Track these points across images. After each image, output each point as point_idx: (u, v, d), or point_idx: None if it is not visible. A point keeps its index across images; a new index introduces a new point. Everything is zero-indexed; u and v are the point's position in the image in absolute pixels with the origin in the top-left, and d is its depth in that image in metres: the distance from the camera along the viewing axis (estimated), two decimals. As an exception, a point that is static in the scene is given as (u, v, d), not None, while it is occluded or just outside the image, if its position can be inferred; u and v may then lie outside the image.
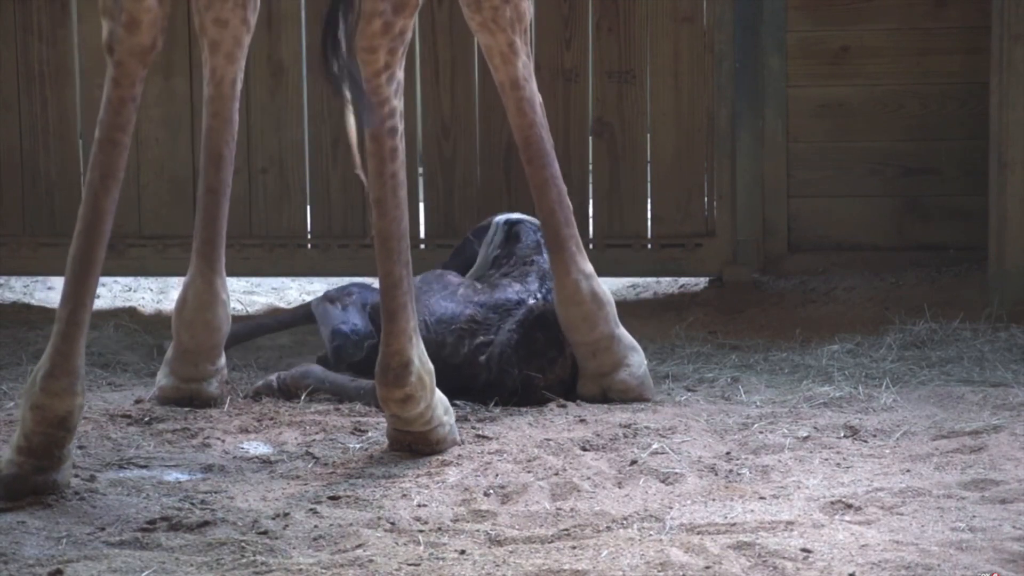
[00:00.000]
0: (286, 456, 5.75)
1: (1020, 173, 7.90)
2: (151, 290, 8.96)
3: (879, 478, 5.30)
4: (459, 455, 5.68)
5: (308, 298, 8.57)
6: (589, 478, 5.35)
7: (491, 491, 5.26)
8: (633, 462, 5.52)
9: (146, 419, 6.23)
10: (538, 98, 6.44)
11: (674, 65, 8.46)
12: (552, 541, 4.74)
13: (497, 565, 4.51)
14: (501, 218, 6.97)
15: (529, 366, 6.46)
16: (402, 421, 5.68)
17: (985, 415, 6.11)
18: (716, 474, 5.41)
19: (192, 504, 5.12)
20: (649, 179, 8.56)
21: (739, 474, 5.41)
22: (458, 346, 6.44)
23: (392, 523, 4.93)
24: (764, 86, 8.38)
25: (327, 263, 8.61)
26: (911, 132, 8.41)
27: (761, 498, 5.10)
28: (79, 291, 5.23)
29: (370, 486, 5.34)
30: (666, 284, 8.74)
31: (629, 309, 7.65)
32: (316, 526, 4.89)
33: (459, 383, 6.36)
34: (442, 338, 6.40)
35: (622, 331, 6.56)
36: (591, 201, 8.52)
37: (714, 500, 5.10)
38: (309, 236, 8.62)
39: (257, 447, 5.90)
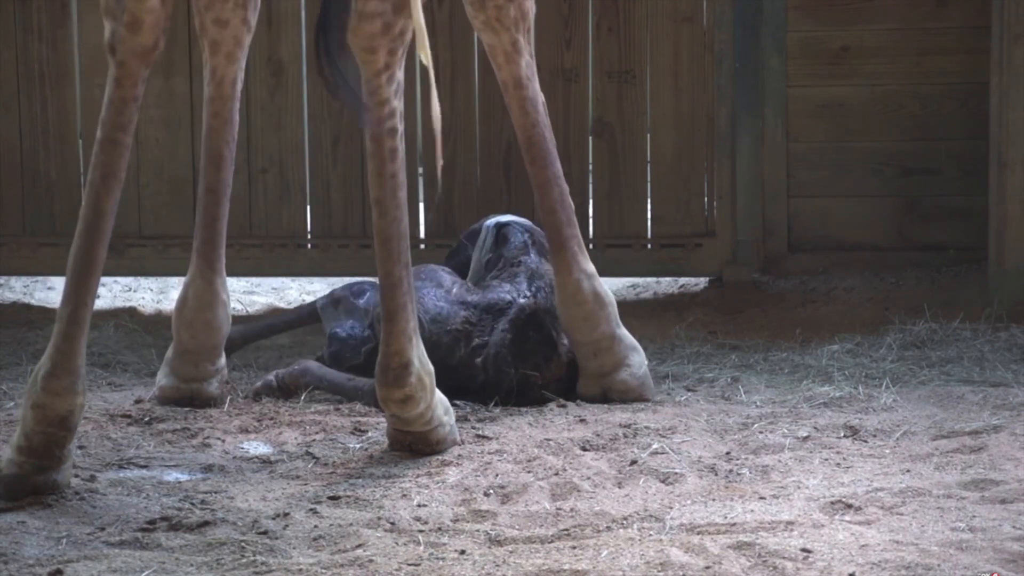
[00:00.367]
0: (286, 456, 5.75)
1: (1020, 173, 7.90)
2: (151, 290, 8.96)
3: (879, 478, 5.30)
4: (459, 455, 5.68)
5: (308, 298, 8.58)
6: (589, 478, 5.36)
7: (491, 491, 5.27)
8: (633, 462, 5.52)
9: (146, 419, 6.23)
10: (541, 97, 6.44)
11: (674, 65, 8.46)
12: (552, 541, 4.74)
13: (497, 565, 4.51)
14: (491, 221, 6.98)
15: (524, 365, 6.46)
16: (402, 421, 5.68)
17: (985, 415, 6.11)
18: (716, 474, 5.41)
19: (192, 504, 5.13)
20: (649, 179, 8.56)
21: (739, 474, 5.41)
22: (454, 348, 6.44)
23: (392, 523, 4.93)
24: (764, 86, 8.38)
25: (327, 263, 8.61)
26: (911, 132, 8.42)
27: (761, 498, 5.10)
28: (80, 290, 5.24)
29: (370, 486, 5.34)
30: (666, 284, 8.74)
31: (629, 309, 7.65)
32: (316, 526, 4.89)
33: (456, 383, 6.36)
34: (438, 338, 6.40)
35: (623, 331, 6.56)
36: (591, 201, 8.52)
37: (714, 500, 5.10)
38: (309, 236, 8.62)
39: (257, 447, 5.90)
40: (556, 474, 5.41)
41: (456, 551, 4.63)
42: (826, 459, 5.55)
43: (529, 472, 5.45)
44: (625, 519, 4.92)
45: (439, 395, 5.78)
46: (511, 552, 4.63)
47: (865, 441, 5.81)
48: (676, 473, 5.39)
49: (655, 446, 5.70)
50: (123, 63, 5.25)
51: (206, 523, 4.90)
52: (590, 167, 8.52)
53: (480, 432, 5.95)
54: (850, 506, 4.98)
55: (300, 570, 4.49)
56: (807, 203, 8.47)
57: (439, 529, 4.88)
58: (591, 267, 6.52)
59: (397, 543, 4.73)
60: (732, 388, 6.72)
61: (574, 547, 4.65)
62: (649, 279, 8.76)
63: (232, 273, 7.00)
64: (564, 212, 6.46)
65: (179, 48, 8.43)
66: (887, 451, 5.67)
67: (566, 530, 4.84)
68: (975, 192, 8.27)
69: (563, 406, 6.38)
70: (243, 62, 6.40)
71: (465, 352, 6.44)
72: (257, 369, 7.13)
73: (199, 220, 6.45)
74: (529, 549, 4.66)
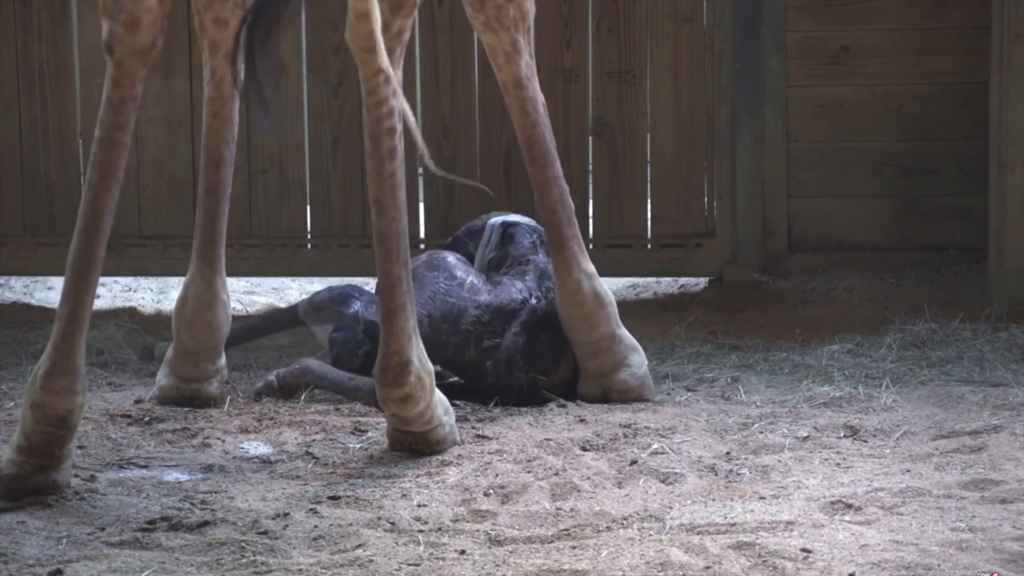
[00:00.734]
0: (286, 456, 5.75)
1: (1020, 173, 7.90)
2: (151, 290, 8.96)
3: (879, 478, 5.30)
4: (459, 455, 5.68)
5: (308, 298, 8.58)
6: (589, 478, 5.35)
7: (491, 491, 5.26)
8: (633, 462, 5.52)
9: (146, 419, 6.23)
10: (541, 97, 6.44)
11: (674, 65, 8.46)
12: (552, 541, 4.74)
13: (497, 565, 4.51)
14: (496, 220, 6.95)
15: (535, 368, 6.46)
16: (402, 421, 5.68)
17: (985, 415, 6.11)
18: (716, 474, 5.41)
19: (192, 504, 5.12)
20: (649, 179, 8.56)
21: (739, 474, 5.40)
22: (463, 348, 6.43)
23: (392, 523, 4.93)
24: (764, 86, 8.38)
25: (327, 263, 8.61)
26: (911, 132, 8.41)
27: (761, 498, 5.10)
28: (79, 290, 5.24)
29: (370, 486, 5.34)
30: (666, 284, 8.74)
31: (629, 309, 7.65)
32: (316, 526, 4.89)
33: (464, 383, 6.36)
34: (447, 338, 6.39)
35: (623, 331, 6.56)
36: (591, 201, 8.52)
37: (714, 500, 5.10)
38: (309, 236, 8.62)
39: (257, 447, 5.90)
40: (556, 474, 5.41)
41: (456, 551, 4.62)
42: (826, 459, 5.55)
43: (529, 472, 5.45)
44: (625, 519, 4.92)
45: (439, 395, 5.78)
46: (511, 552, 4.63)
47: (865, 441, 5.81)
48: (676, 473, 5.39)
49: (655, 446, 5.70)
50: (121, 63, 5.25)
51: (206, 523, 4.90)
52: (590, 167, 8.52)
53: (480, 432, 5.95)
54: (850, 506, 4.97)
55: (300, 570, 4.49)
56: (807, 203, 8.47)
57: (439, 529, 4.88)
58: (591, 267, 6.52)
59: (397, 543, 4.73)
60: (732, 388, 6.72)
61: (574, 547, 4.64)
62: (649, 279, 8.76)
63: (232, 273, 7.00)
64: (564, 212, 6.46)
65: (179, 48, 8.43)
66: (887, 451, 5.67)
67: (566, 530, 4.84)
68: (975, 192, 8.26)
69: (563, 406, 6.38)
70: (243, 62, 6.39)
71: (475, 353, 6.43)
72: (257, 369, 7.13)
73: (199, 220, 6.45)
74: (529, 549, 4.66)
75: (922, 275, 8.31)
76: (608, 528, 4.85)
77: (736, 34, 8.36)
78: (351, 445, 5.87)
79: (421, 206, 8.73)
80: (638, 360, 6.55)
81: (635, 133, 8.51)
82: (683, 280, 8.70)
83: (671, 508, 5.01)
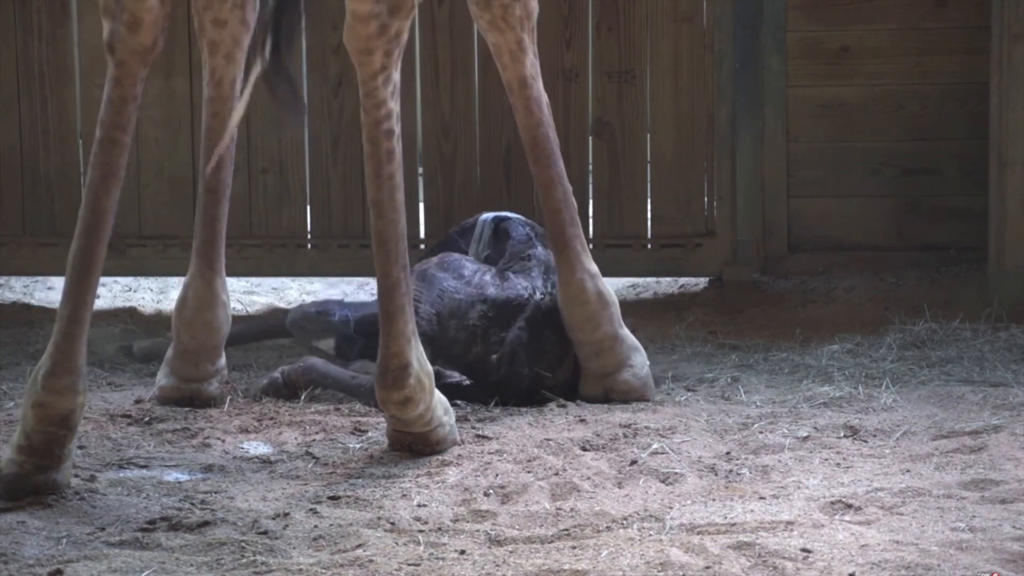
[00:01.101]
0: (286, 456, 5.75)
1: (1020, 173, 7.90)
2: (151, 290, 8.96)
3: (879, 478, 5.30)
4: (459, 455, 5.68)
5: (308, 298, 8.58)
6: (589, 478, 5.36)
7: (491, 491, 5.26)
8: (633, 462, 5.52)
9: (146, 419, 6.23)
10: (545, 97, 6.44)
11: (674, 65, 8.46)
12: (552, 541, 4.74)
13: (497, 565, 4.51)
14: (487, 216, 6.96)
15: (539, 364, 6.46)
16: (402, 422, 5.68)
17: (985, 415, 6.11)
18: (716, 474, 5.41)
19: (192, 504, 5.13)
20: (649, 179, 8.56)
21: (739, 474, 5.41)
22: (471, 345, 6.43)
23: (392, 523, 4.93)
24: (764, 86, 8.37)
25: (327, 263, 8.61)
26: (911, 132, 8.41)
27: (761, 498, 5.10)
28: (80, 290, 5.24)
29: (370, 486, 5.34)
30: (666, 284, 8.74)
31: (629, 309, 7.64)
32: (316, 526, 4.89)
33: (471, 379, 6.37)
34: (455, 335, 6.40)
35: (625, 331, 6.56)
36: (591, 201, 8.52)
37: (714, 500, 5.10)
38: (309, 236, 8.62)
39: (257, 447, 5.90)
40: (556, 474, 5.41)
41: (456, 551, 4.63)
42: (826, 459, 5.55)
43: (529, 472, 5.45)
44: (625, 519, 4.92)
45: (439, 395, 5.78)
46: (511, 552, 4.63)
47: (865, 441, 5.81)
48: (676, 473, 5.39)
49: (655, 446, 5.70)
50: (122, 62, 5.25)
51: (206, 523, 4.90)
52: (590, 167, 8.51)
53: (480, 432, 5.95)
54: (850, 506, 4.97)
55: (300, 570, 4.49)
56: (807, 203, 8.47)
57: (439, 529, 4.88)
58: (594, 267, 6.51)
59: (397, 543, 4.73)
60: (732, 388, 6.72)
61: (574, 547, 4.65)
62: (649, 279, 8.76)
63: (232, 273, 7.00)
64: (568, 211, 6.46)
65: (179, 48, 8.43)
66: (887, 451, 5.67)
67: (566, 530, 4.84)
68: (975, 192, 8.26)
69: (563, 406, 6.38)
70: (242, 62, 6.39)
71: (482, 348, 6.43)
72: (257, 369, 7.13)
73: (199, 220, 6.45)
74: (529, 549, 4.66)
75: (922, 275, 8.31)
76: (608, 528, 4.85)
77: (736, 34, 8.36)
78: (351, 445, 5.87)
79: (421, 206, 8.72)
80: (640, 360, 6.55)
81: (635, 133, 8.50)
82: (683, 280, 8.70)
83: (671, 508, 5.01)
